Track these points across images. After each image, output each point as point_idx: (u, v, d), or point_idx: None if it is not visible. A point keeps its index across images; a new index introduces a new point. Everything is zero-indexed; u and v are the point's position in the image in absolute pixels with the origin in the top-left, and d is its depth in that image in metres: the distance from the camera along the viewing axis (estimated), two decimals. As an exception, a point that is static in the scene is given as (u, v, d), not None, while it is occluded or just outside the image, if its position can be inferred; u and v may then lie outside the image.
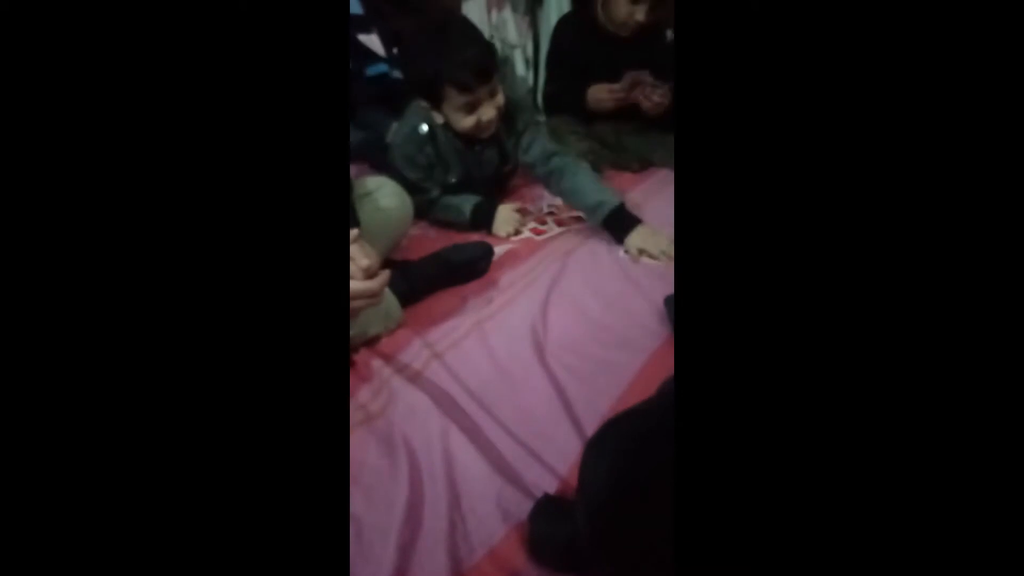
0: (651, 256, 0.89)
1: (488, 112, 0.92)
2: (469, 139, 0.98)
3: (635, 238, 0.90)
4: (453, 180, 1.04)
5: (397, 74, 1.45)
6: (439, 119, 0.96)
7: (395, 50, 1.51)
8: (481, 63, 0.88)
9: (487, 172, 1.07)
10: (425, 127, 0.98)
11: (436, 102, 0.92)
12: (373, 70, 1.41)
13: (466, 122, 0.92)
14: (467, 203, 1.00)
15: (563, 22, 1.35)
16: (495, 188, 1.13)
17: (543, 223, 1.04)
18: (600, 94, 1.23)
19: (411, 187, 0.94)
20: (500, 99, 0.94)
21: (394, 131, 1.06)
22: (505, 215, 1.00)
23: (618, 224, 0.92)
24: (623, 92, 1.20)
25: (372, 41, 1.44)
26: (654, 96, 1.17)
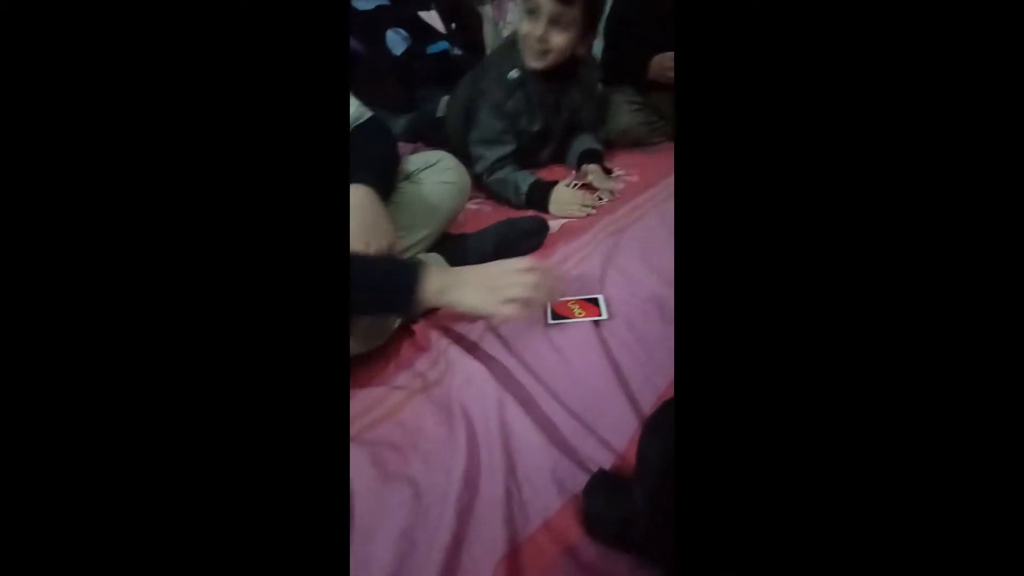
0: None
1: (560, 37, 0.93)
2: (549, 87, 0.98)
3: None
4: (536, 128, 1.05)
5: (457, 51, 1.44)
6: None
7: (453, 25, 1.50)
8: None
9: (564, 121, 1.08)
10: (516, 72, 0.98)
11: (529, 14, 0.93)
12: (434, 48, 1.42)
13: (536, 33, 0.93)
14: (524, 181, 1.00)
15: None
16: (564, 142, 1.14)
17: (598, 200, 1.02)
18: (667, 62, 1.18)
19: (472, 154, 0.98)
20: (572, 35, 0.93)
21: (474, 81, 1.05)
22: (562, 195, 0.99)
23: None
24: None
25: (432, 17, 1.44)
26: None
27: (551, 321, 0.69)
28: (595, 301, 0.72)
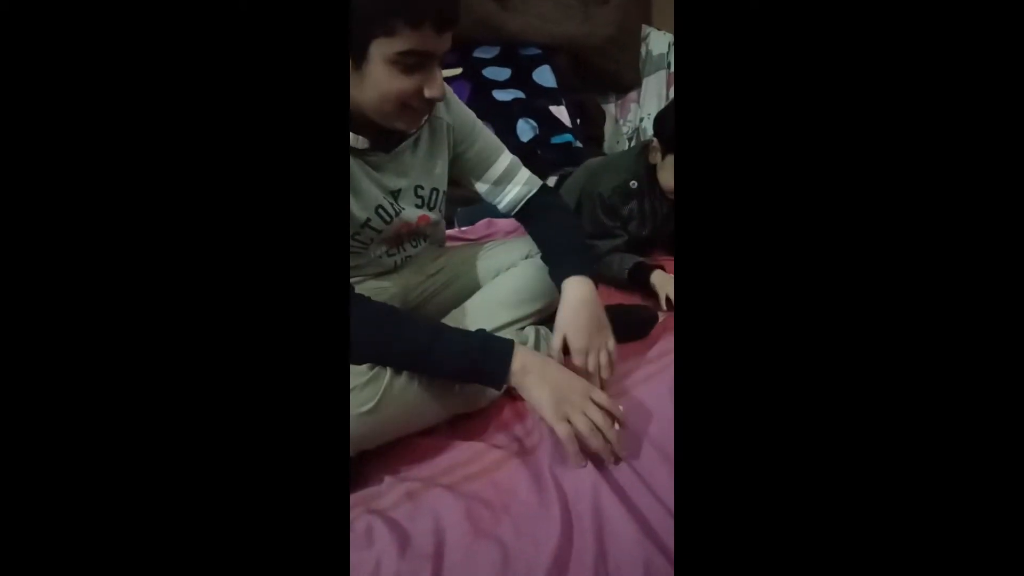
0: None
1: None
2: (665, 197, 1.07)
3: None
4: (644, 233, 1.12)
5: (579, 144, 1.56)
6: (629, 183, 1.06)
7: (579, 120, 1.64)
8: None
9: (669, 234, 1.16)
10: (635, 183, 1.06)
11: (667, 150, 1.02)
12: (558, 139, 1.55)
13: (673, 182, 1.01)
14: (629, 260, 1.05)
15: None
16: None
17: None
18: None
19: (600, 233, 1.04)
20: None
21: (593, 178, 1.14)
22: (661, 278, 1.02)
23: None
24: None
25: (560, 112, 1.58)
26: None
27: None
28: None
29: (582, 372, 0.66)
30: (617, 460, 0.59)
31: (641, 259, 1.06)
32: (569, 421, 0.57)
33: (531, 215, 0.80)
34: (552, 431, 0.64)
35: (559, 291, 0.71)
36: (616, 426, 0.59)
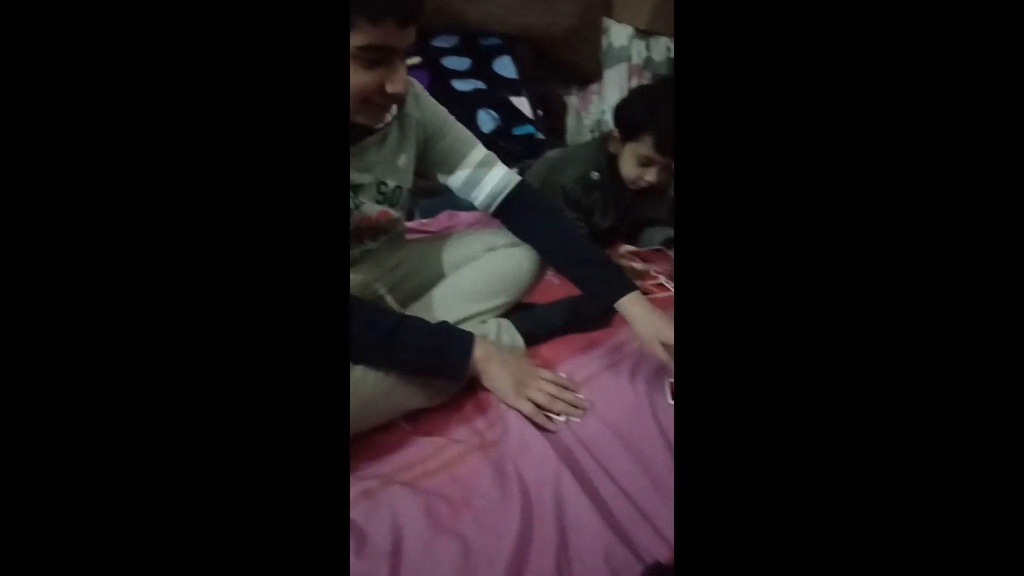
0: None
1: (653, 175, 1.03)
2: (625, 190, 1.07)
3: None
4: (606, 224, 1.11)
5: (540, 135, 1.56)
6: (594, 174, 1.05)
7: (540, 112, 1.63)
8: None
9: (630, 223, 1.15)
10: (597, 174, 1.05)
11: (627, 140, 1.03)
12: (520, 130, 1.53)
13: (635, 172, 1.03)
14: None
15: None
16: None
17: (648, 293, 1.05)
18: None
19: None
20: (665, 172, 1.04)
21: (553, 170, 1.13)
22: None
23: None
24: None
25: (522, 103, 1.57)
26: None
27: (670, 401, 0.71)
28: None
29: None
30: (582, 413, 0.67)
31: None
32: (530, 400, 0.65)
33: (517, 215, 0.79)
34: (516, 420, 0.64)
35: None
36: (569, 392, 0.68)
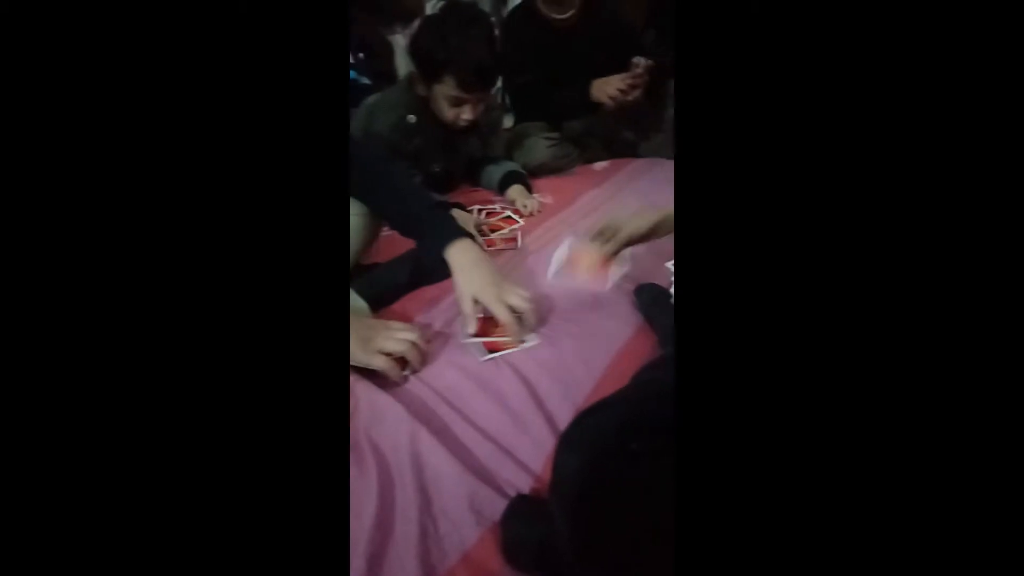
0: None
1: (469, 112, 0.97)
2: (449, 131, 1.02)
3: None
4: (437, 170, 1.05)
5: (366, 80, 1.43)
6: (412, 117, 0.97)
7: (362, 55, 1.49)
8: (489, 71, 0.94)
9: (463, 164, 1.11)
10: (413, 117, 0.98)
11: (431, 82, 0.95)
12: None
13: (449, 113, 0.97)
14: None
15: (511, 17, 1.35)
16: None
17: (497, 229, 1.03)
18: (612, 87, 1.18)
19: None
20: (483, 107, 1.00)
21: (370, 118, 1.04)
22: (463, 217, 0.99)
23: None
24: (639, 79, 1.15)
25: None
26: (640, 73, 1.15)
27: (483, 359, 0.67)
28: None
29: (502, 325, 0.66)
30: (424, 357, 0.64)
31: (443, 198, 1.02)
32: (381, 352, 0.61)
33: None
34: (365, 390, 0.61)
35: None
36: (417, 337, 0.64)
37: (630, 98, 1.18)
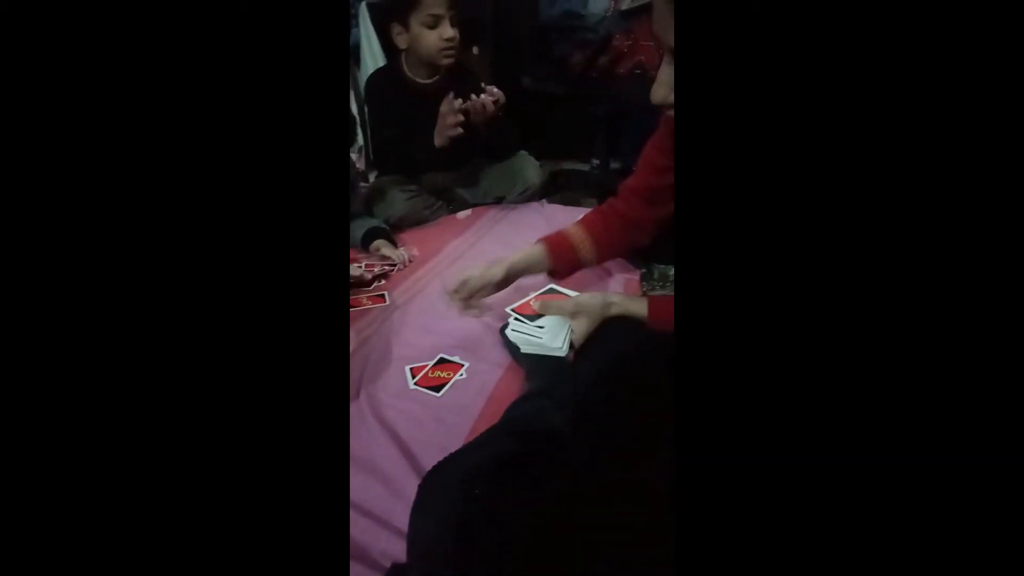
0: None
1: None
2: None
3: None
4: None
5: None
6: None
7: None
8: None
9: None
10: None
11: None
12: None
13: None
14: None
15: (373, 78, 1.36)
16: None
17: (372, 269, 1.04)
18: (445, 119, 1.16)
19: None
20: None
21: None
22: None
23: None
24: (458, 105, 1.12)
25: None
26: (488, 98, 1.12)
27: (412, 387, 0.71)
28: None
29: None
30: None
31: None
32: None
33: None
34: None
35: None
36: None
37: (454, 134, 1.16)
